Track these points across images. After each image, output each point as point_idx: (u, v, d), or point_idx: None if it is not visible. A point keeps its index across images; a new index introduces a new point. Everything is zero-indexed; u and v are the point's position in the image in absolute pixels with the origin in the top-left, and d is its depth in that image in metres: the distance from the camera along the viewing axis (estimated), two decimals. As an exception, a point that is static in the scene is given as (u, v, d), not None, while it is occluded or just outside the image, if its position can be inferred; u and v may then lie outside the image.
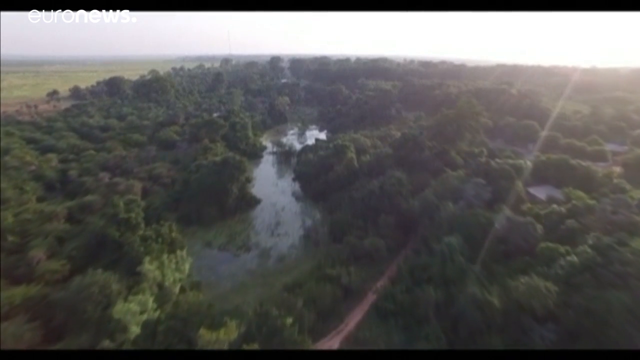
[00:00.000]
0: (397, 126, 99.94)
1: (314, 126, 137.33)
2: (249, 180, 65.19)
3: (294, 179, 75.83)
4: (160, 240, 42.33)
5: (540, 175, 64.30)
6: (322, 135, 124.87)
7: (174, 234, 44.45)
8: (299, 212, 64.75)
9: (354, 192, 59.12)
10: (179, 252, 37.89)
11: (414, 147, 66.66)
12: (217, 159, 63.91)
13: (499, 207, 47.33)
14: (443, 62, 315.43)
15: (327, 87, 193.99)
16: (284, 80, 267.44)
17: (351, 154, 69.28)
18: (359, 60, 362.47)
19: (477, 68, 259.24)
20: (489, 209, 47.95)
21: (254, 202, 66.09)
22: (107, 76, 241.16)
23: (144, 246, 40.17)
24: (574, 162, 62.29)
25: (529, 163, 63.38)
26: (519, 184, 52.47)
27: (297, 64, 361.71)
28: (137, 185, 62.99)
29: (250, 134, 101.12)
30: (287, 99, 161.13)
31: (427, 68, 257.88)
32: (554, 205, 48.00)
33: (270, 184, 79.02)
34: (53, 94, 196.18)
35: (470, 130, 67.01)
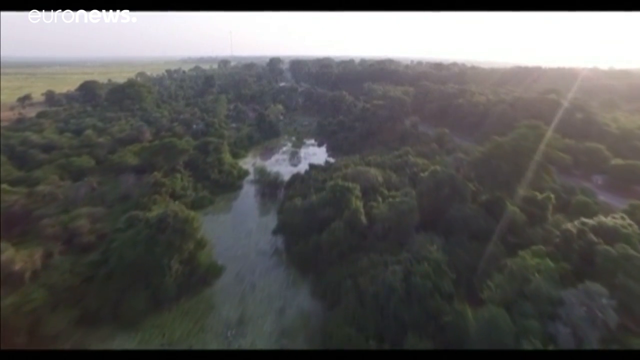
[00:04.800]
0: (416, 148, 77.41)
1: (311, 140, 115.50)
2: (202, 245, 43.21)
3: (274, 232, 53.81)
4: None
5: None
6: (322, 152, 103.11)
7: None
8: (276, 295, 42.66)
9: (361, 275, 36.94)
10: None
11: (450, 194, 44.41)
12: (152, 215, 41.91)
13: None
14: (454, 64, 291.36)
15: (329, 92, 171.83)
16: (282, 84, 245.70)
17: (356, 203, 47.15)
18: (363, 61, 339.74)
19: (495, 70, 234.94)
20: (617, 343, 25.72)
21: (211, 275, 44.20)
22: (105, 78, 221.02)
23: None
24: None
25: (632, 224, 40.75)
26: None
27: (297, 65, 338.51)
28: (33, 254, 41.51)
29: (227, 157, 79.29)
30: (281, 107, 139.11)
31: (439, 70, 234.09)
32: None
33: (243, 233, 57.09)
34: (24, 100, 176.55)
35: (536, 170, 44.51)
